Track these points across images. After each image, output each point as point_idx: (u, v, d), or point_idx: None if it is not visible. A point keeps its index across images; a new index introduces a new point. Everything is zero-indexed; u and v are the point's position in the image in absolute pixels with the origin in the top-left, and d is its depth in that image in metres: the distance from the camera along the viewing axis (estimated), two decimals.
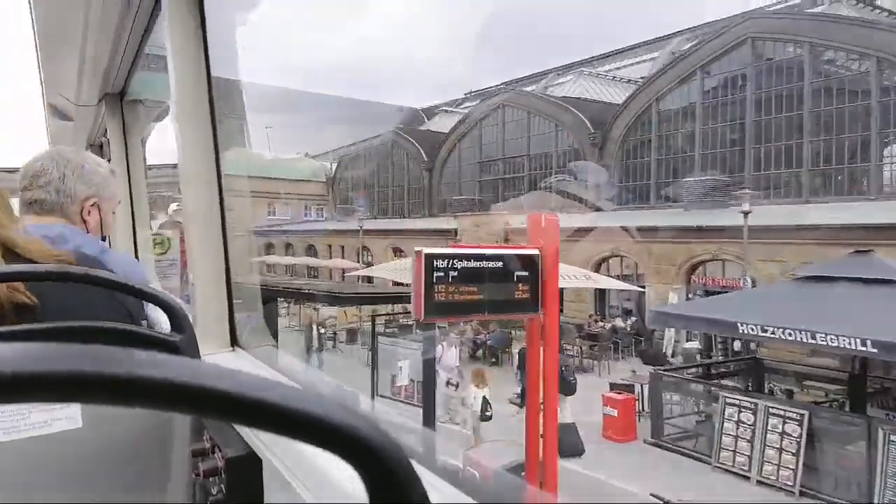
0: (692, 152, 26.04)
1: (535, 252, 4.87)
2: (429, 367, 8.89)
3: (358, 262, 34.96)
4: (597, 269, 21.08)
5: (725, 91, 25.02)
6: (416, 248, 4.59)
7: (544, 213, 4.81)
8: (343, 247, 38.41)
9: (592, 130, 29.96)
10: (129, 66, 2.78)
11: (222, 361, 1.63)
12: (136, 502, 1.02)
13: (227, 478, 1.10)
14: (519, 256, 4.84)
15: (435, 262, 3.91)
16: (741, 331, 10.41)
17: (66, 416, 0.94)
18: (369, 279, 26.42)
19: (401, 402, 9.52)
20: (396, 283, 25.81)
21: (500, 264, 4.53)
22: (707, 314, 11.47)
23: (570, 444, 10.00)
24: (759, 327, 10.08)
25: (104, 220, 1.69)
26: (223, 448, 1.11)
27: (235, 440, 1.14)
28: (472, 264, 3.96)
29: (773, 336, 9.99)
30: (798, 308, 10.21)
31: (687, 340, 19.40)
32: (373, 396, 9.26)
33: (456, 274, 3.89)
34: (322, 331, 19.31)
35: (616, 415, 12.07)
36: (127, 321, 1.15)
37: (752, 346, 16.81)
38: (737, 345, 17.72)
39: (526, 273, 4.75)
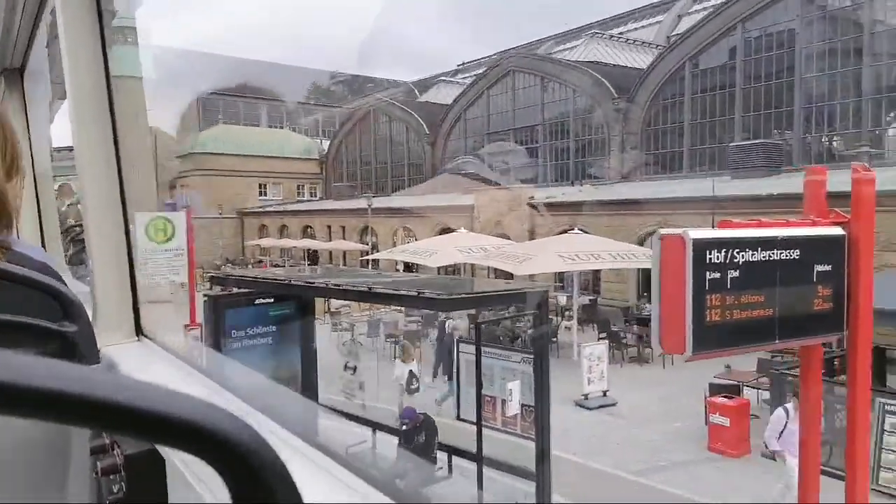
0: (732, 114, 23.89)
1: (839, 232, 2.80)
2: (542, 388, 6.74)
3: (361, 243, 32.78)
4: (641, 244, 18.87)
5: (771, 46, 22.80)
6: (664, 232, 2.58)
7: (855, 164, 2.77)
8: (344, 227, 35.99)
9: (616, 95, 27.70)
10: (27, 39, 2.59)
11: (124, 352, 1.57)
12: (36, 503, 0.96)
13: (128, 475, 1.04)
14: (817, 241, 2.76)
15: (708, 255, 2.35)
16: None
17: None
18: (375, 262, 24.68)
19: (499, 430, 7.39)
20: (407, 268, 23.88)
21: (795, 254, 2.59)
22: None
23: None
24: None
25: None
26: (122, 445, 1.06)
27: None
28: (760, 255, 2.45)
29: None
30: None
31: None
32: (462, 419, 7.11)
33: (737, 275, 2.40)
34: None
35: (728, 424, 10.02)
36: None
37: None
38: None
39: (827, 268, 2.72)
